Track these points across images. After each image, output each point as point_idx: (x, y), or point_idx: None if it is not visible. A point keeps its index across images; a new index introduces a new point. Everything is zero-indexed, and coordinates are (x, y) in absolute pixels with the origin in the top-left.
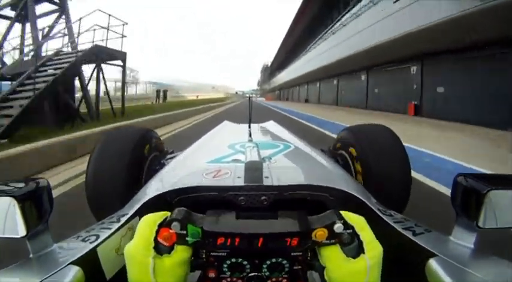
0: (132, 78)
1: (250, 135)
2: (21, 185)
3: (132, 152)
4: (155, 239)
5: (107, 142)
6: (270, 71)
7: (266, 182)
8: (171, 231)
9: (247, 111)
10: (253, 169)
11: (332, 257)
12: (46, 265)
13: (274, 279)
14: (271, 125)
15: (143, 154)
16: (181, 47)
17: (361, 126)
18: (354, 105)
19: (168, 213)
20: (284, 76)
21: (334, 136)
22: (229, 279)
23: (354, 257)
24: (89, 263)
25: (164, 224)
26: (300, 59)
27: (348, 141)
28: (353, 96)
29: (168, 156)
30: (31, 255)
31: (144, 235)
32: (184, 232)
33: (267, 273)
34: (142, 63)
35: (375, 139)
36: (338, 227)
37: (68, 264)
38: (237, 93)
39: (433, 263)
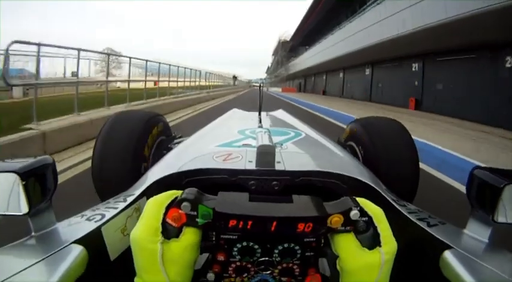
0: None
1: (260, 121)
2: (26, 162)
3: (139, 135)
4: (163, 221)
5: (114, 124)
6: (289, 49)
7: (278, 167)
8: (180, 211)
9: None
10: (266, 153)
11: (346, 244)
12: (48, 243)
13: (284, 265)
14: (281, 113)
15: (150, 138)
16: (177, 26)
17: (370, 119)
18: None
19: (177, 193)
20: (312, 57)
21: None
22: (238, 263)
23: (369, 248)
24: (93, 243)
25: (174, 204)
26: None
27: (357, 133)
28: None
29: (176, 140)
30: (33, 233)
31: (151, 218)
32: (195, 213)
33: (278, 259)
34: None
35: (384, 132)
36: (354, 214)
37: (71, 243)
38: (235, 77)
39: (448, 255)
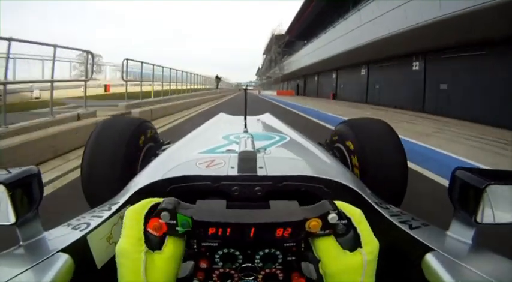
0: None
1: (245, 126)
2: (12, 172)
3: (128, 141)
4: (145, 231)
5: (103, 131)
6: (284, 44)
7: (260, 172)
8: (160, 221)
9: None
10: (247, 159)
11: (327, 248)
12: (35, 252)
13: (267, 270)
14: (268, 117)
15: (138, 144)
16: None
17: (358, 120)
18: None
19: (153, 201)
20: (315, 51)
21: None
22: (221, 270)
23: (350, 250)
24: (79, 251)
25: (154, 214)
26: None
27: (345, 135)
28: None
29: (164, 147)
30: (21, 243)
31: (133, 228)
32: (174, 222)
33: (260, 264)
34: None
35: (372, 133)
36: (332, 217)
37: (57, 252)
38: (218, 78)
39: (430, 257)
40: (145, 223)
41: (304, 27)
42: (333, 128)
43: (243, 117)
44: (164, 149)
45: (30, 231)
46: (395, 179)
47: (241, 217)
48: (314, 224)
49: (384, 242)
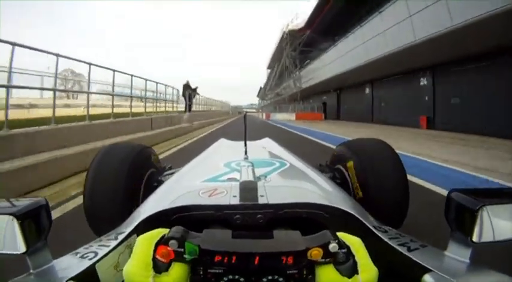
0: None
1: (246, 153)
2: (21, 203)
3: (129, 168)
4: (153, 257)
5: (104, 158)
6: (303, 44)
7: (261, 201)
8: (168, 248)
9: None
10: (248, 188)
11: (327, 275)
12: (45, 281)
13: None
14: (267, 142)
15: (140, 171)
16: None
17: (357, 141)
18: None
19: (165, 231)
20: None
21: None
22: None
23: (349, 277)
24: (88, 280)
25: (162, 242)
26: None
27: (345, 156)
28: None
29: (165, 172)
30: (31, 271)
31: (142, 254)
32: (182, 250)
33: None
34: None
35: (372, 153)
36: (333, 246)
37: (67, 281)
38: (190, 89)
39: (428, 278)
40: (155, 250)
41: (334, 16)
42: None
43: (243, 142)
44: (166, 175)
45: (40, 260)
46: (396, 198)
47: (246, 246)
48: (315, 253)
49: (383, 265)
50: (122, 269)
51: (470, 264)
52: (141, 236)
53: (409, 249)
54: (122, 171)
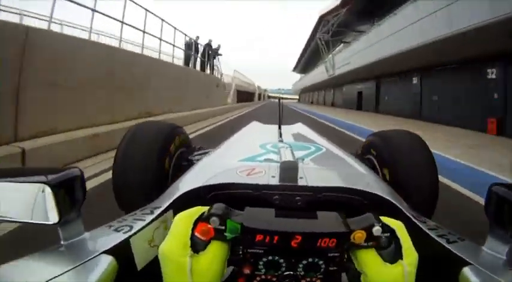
0: None
1: (280, 135)
2: (56, 172)
3: (160, 146)
4: (192, 235)
5: (135, 135)
6: (336, 24)
7: (300, 183)
8: (209, 226)
9: None
10: (289, 169)
11: (369, 260)
12: (78, 252)
13: (308, 279)
14: (300, 127)
15: (171, 149)
16: None
17: (388, 132)
18: None
19: (203, 209)
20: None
21: None
22: (263, 277)
23: (391, 262)
24: (122, 253)
25: (202, 219)
26: None
27: (375, 147)
28: None
29: (196, 152)
30: (62, 242)
31: (180, 233)
32: (223, 227)
33: (302, 273)
34: None
35: (403, 145)
36: (377, 229)
37: (101, 253)
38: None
39: (467, 271)
40: (193, 228)
41: None
42: None
43: (275, 126)
44: (196, 155)
45: (72, 231)
46: (425, 193)
47: (290, 226)
48: (359, 236)
49: (422, 255)
50: (156, 245)
51: (508, 260)
52: (179, 214)
53: (448, 241)
54: (153, 150)
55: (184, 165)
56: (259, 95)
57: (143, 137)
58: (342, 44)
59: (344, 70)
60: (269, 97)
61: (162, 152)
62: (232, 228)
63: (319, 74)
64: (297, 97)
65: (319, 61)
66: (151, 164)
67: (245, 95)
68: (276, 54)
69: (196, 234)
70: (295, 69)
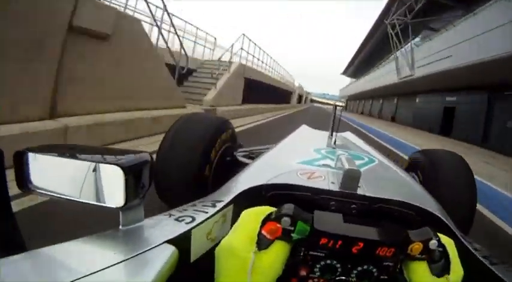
0: None
1: (335, 142)
2: (128, 156)
3: (208, 139)
4: (259, 232)
5: (185, 125)
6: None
7: (359, 191)
8: (278, 225)
9: None
10: (352, 177)
11: (419, 272)
12: (138, 239)
13: None
14: (350, 136)
15: (218, 142)
16: None
17: (434, 151)
18: None
19: (272, 209)
20: None
21: None
22: (316, 280)
23: (438, 276)
24: (183, 244)
25: (273, 218)
26: None
27: (420, 164)
28: None
29: (240, 149)
30: (121, 227)
31: (247, 229)
32: (292, 228)
33: (354, 279)
34: None
35: (446, 165)
36: (433, 243)
37: (164, 243)
38: None
39: None
40: (261, 226)
41: None
42: None
43: (325, 132)
44: (240, 152)
45: (133, 217)
46: (464, 212)
47: (355, 232)
48: (416, 248)
49: (467, 275)
50: (212, 238)
51: None
52: (247, 210)
53: (491, 263)
54: (200, 142)
55: (228, 160)
56: (300, 97)
57: (193, 128)
58: (419, 37)
59: (433, 70)
60: (312, 101)
61: (209, 145)
62: (301, 230)
63: (378, 77)
64: (343, 105)
65: (378, 61)
66: (197, 156)
67: (278, 94)
68: (324, 56)
69: (263, 232)
70: (345, 72)
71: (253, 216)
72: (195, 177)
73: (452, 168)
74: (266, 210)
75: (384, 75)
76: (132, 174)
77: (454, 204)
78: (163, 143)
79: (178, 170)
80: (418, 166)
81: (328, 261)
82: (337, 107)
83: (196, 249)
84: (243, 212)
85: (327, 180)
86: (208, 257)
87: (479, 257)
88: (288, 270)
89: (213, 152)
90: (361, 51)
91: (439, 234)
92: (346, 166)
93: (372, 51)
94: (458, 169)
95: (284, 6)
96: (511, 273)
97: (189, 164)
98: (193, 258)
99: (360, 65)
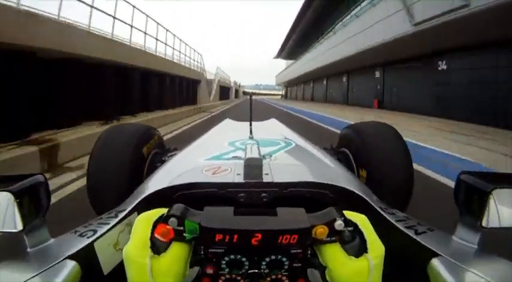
0: None
1: (251, 132)
2: (19, 180)
3: (134, 148)
4: (152, 237)
5: (109, 138)
6: None
7: (266, 179)
8: (168, 227)
9: None
10: (253, 166)
11: (333, 255)
12: (43, 259)
13: (273, 277)
14: (273, 123)
15: (144, 151)
16: None
17: (363, 124)
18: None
19: (164, 210)
20: None
21: None
22: (227, 276)
23: (356, 256)
24: (86, 258)
25: (161, 220)
26: None
27: (350, 139)
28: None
29: (170, 153)
30: (28, 250)
31: (140, 234)
32: (182, 228)
33: (266, 270)
34: None
35: (377, 137)
36: (339, 224)
37: (64, 259)
38: None
39: (435, 262)
40: (153, 229)
41: None
42: None
43: (248, 123)
44: (170, 156)
45: (38, 238)
46: (401, 183)
47: (248, 224)
48: (321, 231)
49: (390, 248)
50: (121, 248)
51: (479, 249)
52: (140, 215)
53: (416, 232)
54: (126, 152)
55: (158, 166)
56: (236, 91)
57: (117, 139)
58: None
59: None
60: (244, 93)
61: (136, 154)
62: (190, 229)
63: (323, 53)
64: (281, 93)
65: (316, 36)
66: (125, 166)
67: (226, 92)
68: (252, 46)
69: (156, 235)
70: (279, 54)
71: (145, 220)
72: (128, 193)
73: (380, 138)
74: (158, 212)
75: (330, 49)
76: (26, 198)
77: (388, 175)
78: (90, 162)
79: (109, 189)
80: (348, 141)
81: (232, 256)
82: (275, 96)
83: (107, 261)
84: (136, 218)
85: (232, 173)
86: (123, 268)
87: (403, 229)
88: (198, 270)
89: (140, 164)
90: (294, 29)
91: (349, 212)
92: (248, 155)
93: (306, 29)
94: (386, 138)
95: (208, 7)
96: (438, 240)
97: (118, 181)
98: (106, 270)
99: (295, 44)
